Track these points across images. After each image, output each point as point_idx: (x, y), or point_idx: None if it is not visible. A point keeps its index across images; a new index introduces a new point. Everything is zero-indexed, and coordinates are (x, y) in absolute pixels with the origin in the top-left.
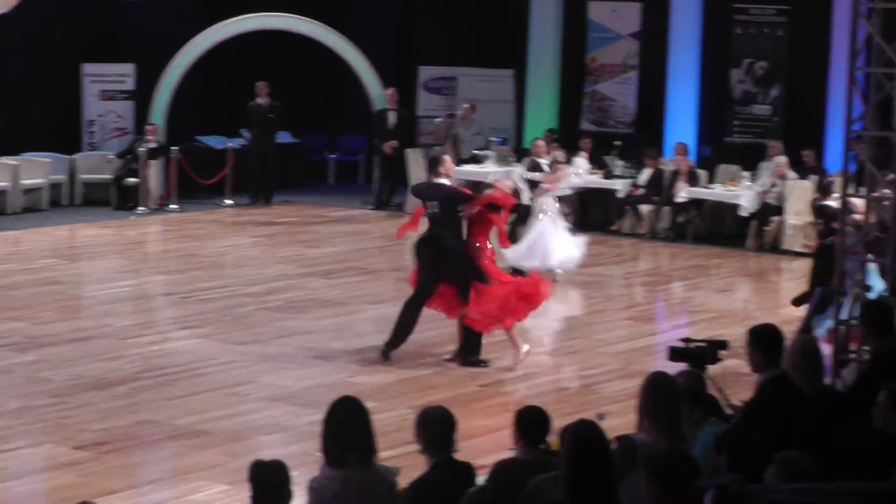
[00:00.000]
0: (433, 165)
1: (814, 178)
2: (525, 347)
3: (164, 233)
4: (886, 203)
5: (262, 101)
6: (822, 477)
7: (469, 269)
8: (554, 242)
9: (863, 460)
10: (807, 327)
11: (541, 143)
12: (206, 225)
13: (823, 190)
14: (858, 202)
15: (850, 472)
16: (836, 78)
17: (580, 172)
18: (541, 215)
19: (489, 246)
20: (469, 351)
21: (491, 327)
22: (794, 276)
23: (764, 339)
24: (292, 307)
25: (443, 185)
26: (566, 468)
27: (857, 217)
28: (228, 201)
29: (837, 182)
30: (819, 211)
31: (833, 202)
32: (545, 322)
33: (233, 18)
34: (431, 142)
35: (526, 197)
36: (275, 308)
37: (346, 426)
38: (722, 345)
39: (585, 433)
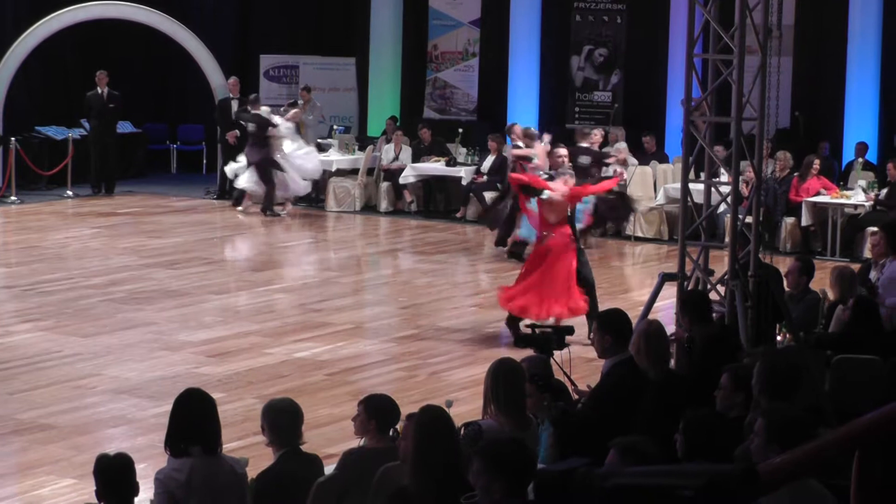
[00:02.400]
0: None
1: (654, 163)
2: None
3: (4, 225)
4: (725, 189)
5: (101, 90)
6: (666, 460)
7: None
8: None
9: (706, 442)
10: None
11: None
12: (47, 216)
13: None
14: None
15: (694, 454)
16: (674, 65)
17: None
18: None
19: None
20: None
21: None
22: (638, 261)
23: (614, 324)
24: (136, 298)
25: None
26: (412, 454)
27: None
28: (69, 192)
29: (671, 169)
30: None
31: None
32: (391, 310)
33: (70, 7)
34: None
35: None
36: (118, 299)
37: (192, 417)
38: (568, 330)
39: (429, 419)
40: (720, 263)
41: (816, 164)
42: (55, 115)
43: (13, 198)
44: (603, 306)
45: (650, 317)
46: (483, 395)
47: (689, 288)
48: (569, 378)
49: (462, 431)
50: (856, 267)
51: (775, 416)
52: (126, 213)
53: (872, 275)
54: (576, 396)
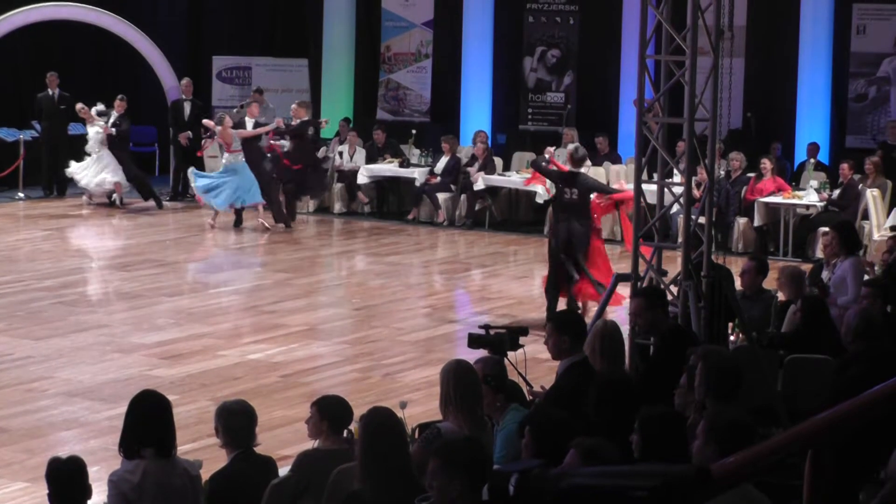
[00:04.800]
0: (580, 160)
1: (607, 163)
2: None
3: None
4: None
5: (52, 92)
6: (624, 460)
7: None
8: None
9: (662, 441)
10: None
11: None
12: None
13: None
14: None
15: (650, 454)
16: (627, 66)
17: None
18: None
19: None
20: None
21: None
22: None
23: (571, 325)
24: (88, 301)
25: (587, 177)
26: (361, 455)
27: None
28: (20, 194)
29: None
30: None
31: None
32: (344, 311)
33: (22, 8)
34: None
35: None
36: (70, 302)
37: (146, 419)
38: (522, 331)
39: (379, 420)
40: (673, 264)
41: (765, 164)
42: (6, 117)
43: None
44: (558, 307)
45: (605, 317)
46: (440, 397)
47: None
48: (524, 379)
49: (417, 433)
50: (807, 267)
51: (715, 417)
52: (78, 216)
53: (825, 274)
54: (530, 397)
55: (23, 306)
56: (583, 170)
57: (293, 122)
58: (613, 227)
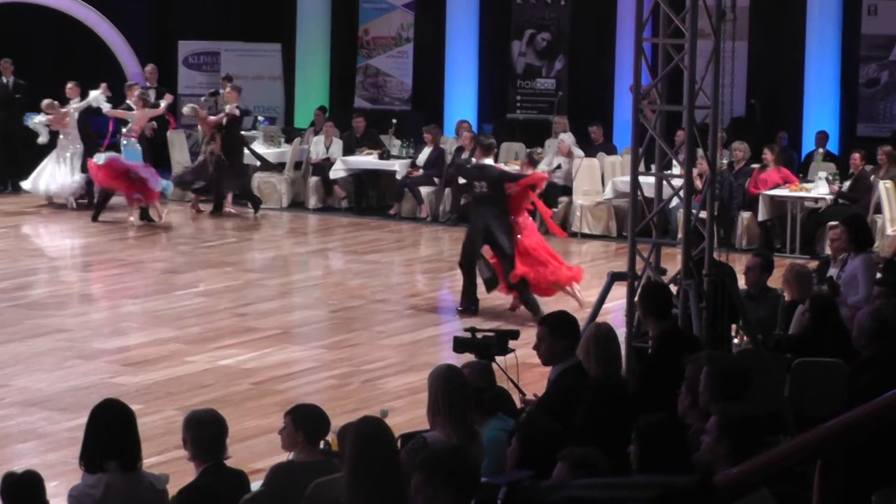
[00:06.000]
0: (487, 149)
1: (601, 154)
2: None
3: None
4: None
5: (6, 80)
6: (619, 470)
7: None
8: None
9: (661, 450)
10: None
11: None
12: None
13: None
14: None
15: (649, 464)
16: (622, 50)
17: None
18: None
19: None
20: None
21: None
22: (585, 260)
23: (564, 327)
24: (46, 303)
25: (492, 167)
26: (349, 469)
27: None
28: None
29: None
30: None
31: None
32: (321, 314)
33: None
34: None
35: None
36: (27, 305)
37: (108, 430)
38: (512, 334)
39: (368, 430)
40: (673, 262)
41: (767, 154)
42: None
43: None
44: (548, 308)
45: (598, 319)
46: (427, 405)
47: (646, 282)
48: (516, 385)
49: (401, 444)
50: (813, 265)
51: (727, 411)
52: (35, 213)
53: (832, 271)
54: (521, 405)
55: None
56: (546, 162)
57: (227, 108)
58: (609, 223)
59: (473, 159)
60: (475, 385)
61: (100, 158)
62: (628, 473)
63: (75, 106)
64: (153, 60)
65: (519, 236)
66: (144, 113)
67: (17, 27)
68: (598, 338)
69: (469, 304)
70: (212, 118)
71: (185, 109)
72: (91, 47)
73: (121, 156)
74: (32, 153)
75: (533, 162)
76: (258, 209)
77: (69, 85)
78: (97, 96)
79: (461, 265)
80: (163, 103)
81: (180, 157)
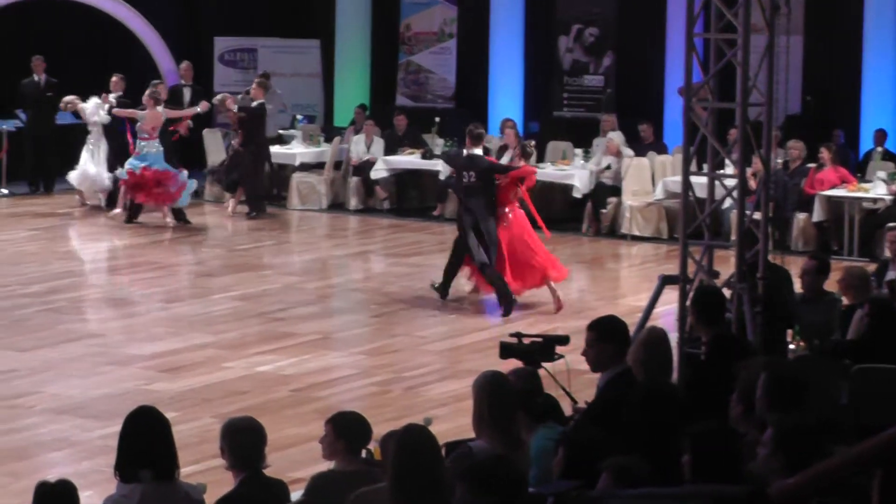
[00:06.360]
0: (477, 139)
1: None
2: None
3: None
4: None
5: (38, 77)
6: (667, 480)
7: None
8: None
9: (715, 460)
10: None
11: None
12: None
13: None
14: None
15: (702, 474)
16: (673, 45)
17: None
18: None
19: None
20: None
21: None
22: (634, 263)
23: (615, 333)
24: (78, 308)
25: (482, 158)
26: (393, 479)
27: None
28: (3, 190)
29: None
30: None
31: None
32: (361, 318)
33: None
34: (226, 121)
35: None
36: (59, 309)
37: (141, 439)
38: (561, 340)
39: (413, 439)
40: (726, 264)
41: (824, 153)
42: None
43: None
44: (597, 312)
45: (650, 324)
46: (473, 413)
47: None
48: (567, 393)
49: (445, 453)
50: (873, 268)
51: (784, 423)
52: (66, 214)
53: (891, 274)
54: (572, 413)
55: (6, 314)
56: (534, 154)
57: (252, 104)
58: (659, 225)
59: (464, 151)
60: (523, 391)
61: (129, 166)
62: (676, 483)
63: (82, 105)
64: (188, 57)
65: (505, 224)
66: (156, 112)
67: (50, 24)
68: (648, 343)
69: (445, 288)
70: (185, 111)
71: (216, 98)
72: (125, 44)
73: (141, 164)
74: (64, 153)
75: (525, 154)
76: (257, 213)
77: (113, 78)
78: (93, 109)
79: (452, 263)
80: (198, 108)
81: (216, 156)
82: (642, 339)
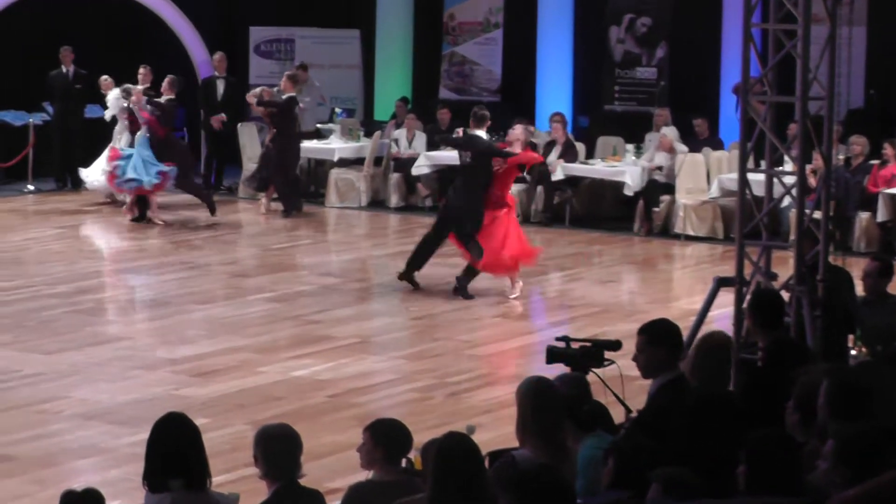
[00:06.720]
0: (480, 120)
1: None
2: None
3: None
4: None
5: (66, 69)
6: (720, 491)
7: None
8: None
9: (772, 470)
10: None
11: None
12: (4, 214)
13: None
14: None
15: (758, 485)
16: (729, 36)
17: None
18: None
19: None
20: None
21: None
22: (688, 263)
23: (669, 336)
24: (107, 309)
25: (480, 139)
26: (433, 489)
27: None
28: (30, 186)
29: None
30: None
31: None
32: (401, 321)
33: None
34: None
35: None
36: (86, 310)
37: (172, 446)
38: (612, 345)
39: (454, 447)
40: (784, 266)
41: (888, 149)
42: (13, 98)
43: None
44: (648, 316)
45: (705, 328)
46: (516, 421)
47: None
48: (619, 399)
49: (488, 462)
50: None
51: (846, 435)
52: (94, 211)
53: None
54: (625, 421)
55: (32, 315)
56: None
57: (281, 98)
58: (714, 224)
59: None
60: (569, 397)
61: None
62: (730, 495)
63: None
64: (222, 48)
65: (505, 209)
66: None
67: (79, 13)
68: (703, 348)
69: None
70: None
71: (254, 92)
72: (155, 34)
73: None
74: (92, 147)
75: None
76: (293, 211)
77: (141, 70)
78: (114, 102)
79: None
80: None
81: (251, 151)
82: (698, 344)
